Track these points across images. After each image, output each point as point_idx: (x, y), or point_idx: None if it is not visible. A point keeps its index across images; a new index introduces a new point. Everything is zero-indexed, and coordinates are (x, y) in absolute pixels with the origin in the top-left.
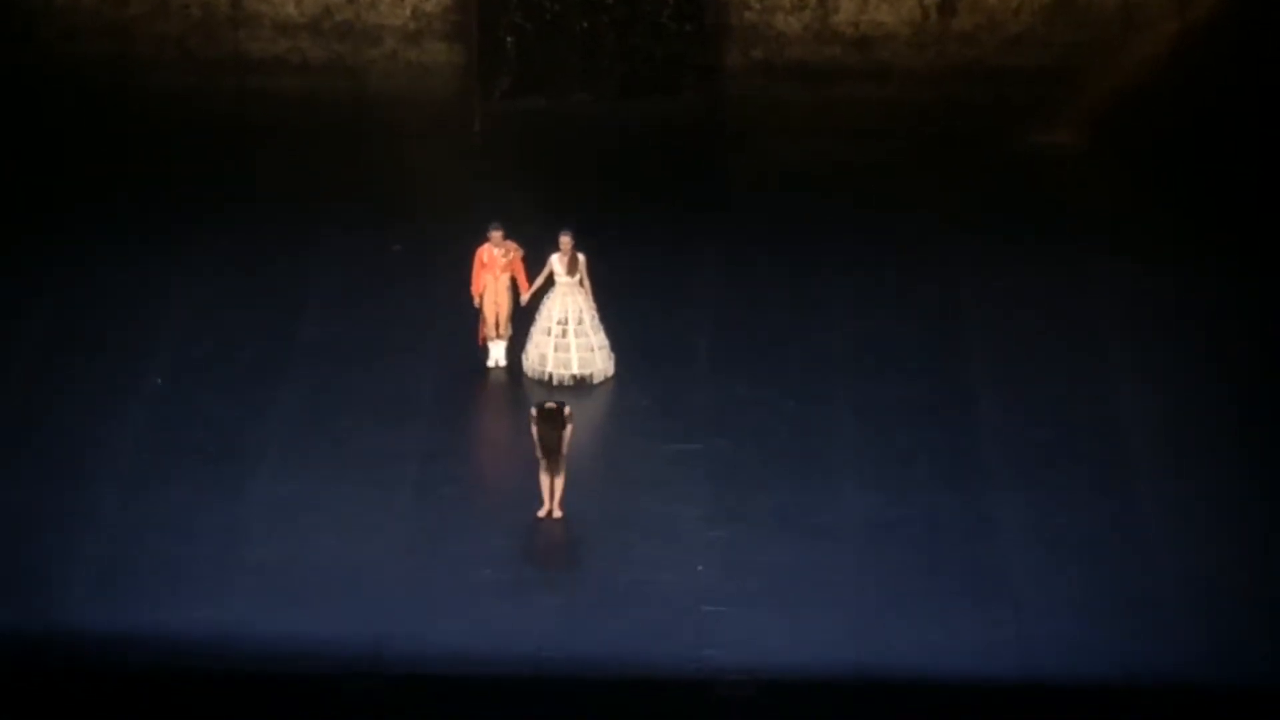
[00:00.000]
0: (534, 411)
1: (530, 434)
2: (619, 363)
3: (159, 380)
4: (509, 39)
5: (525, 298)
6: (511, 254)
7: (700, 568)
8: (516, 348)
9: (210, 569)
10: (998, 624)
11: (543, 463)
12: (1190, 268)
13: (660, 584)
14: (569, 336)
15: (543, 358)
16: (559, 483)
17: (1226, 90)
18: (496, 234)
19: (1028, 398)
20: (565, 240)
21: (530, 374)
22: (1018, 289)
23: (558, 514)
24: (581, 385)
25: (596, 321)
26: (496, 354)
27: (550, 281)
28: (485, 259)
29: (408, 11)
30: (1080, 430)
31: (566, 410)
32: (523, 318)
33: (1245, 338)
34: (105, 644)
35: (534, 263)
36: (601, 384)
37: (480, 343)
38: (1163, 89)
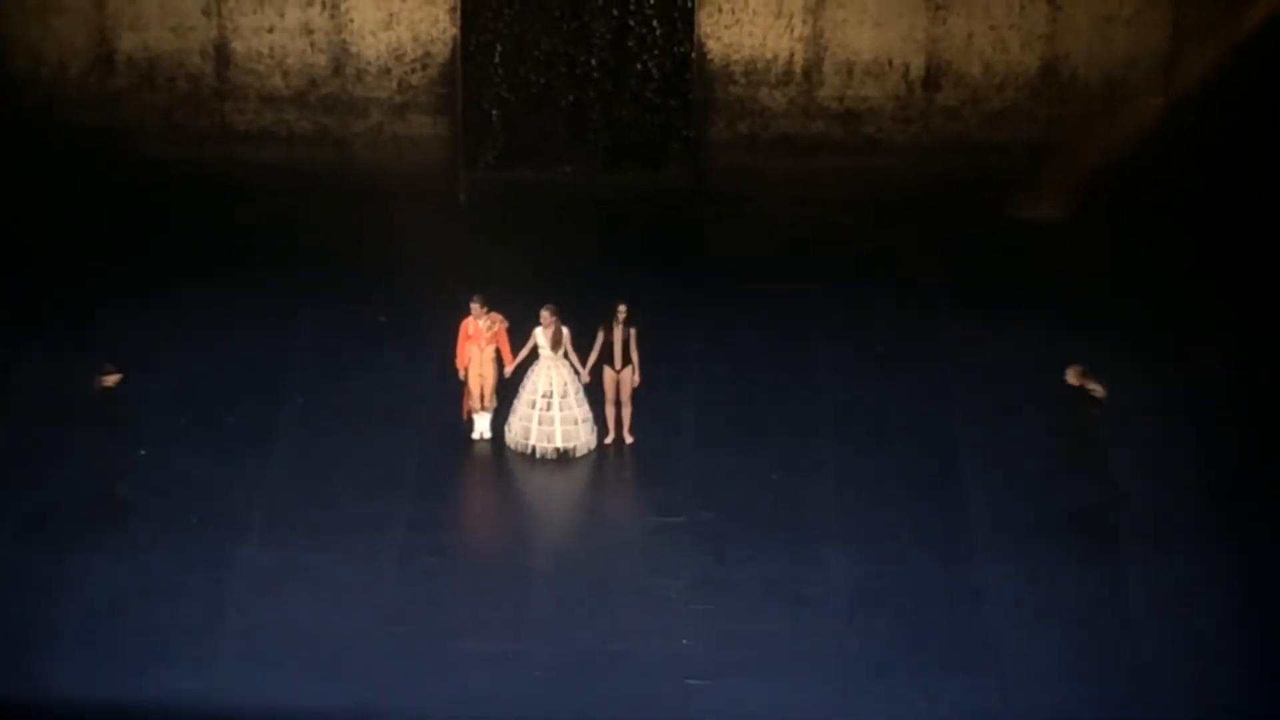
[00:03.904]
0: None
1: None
2: (603, 435)
3: (142, 451)
4: (494, 112)
5: (509, 370)
6: (496, 325)
7: (685, 640)
8: (501, 419)
9: (194, 637)
10: (983, 694)
11: (609, 394)
12: (1175, 340)
13: (644, 655)
14: (553, 409)
15: (526, 430)
16: (626, 412)
17: (1210, 165)
18: (476, 305)
19: (1013, 467)
20: (548, 314)
21: (513, 446)
22: (1003, 360)
23: (629, 440)
24: (564, 458)
25: (581, 394)
26: (481, 426)
27: (534, 354)
28: (470, 331)
29: (394, 84)
30: (1065, 500)
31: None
32: (507, 390)
33: (1229, 409)
34: (89, 712)
35: (519, 334)
36: (585, 456)
37: (465, 415)
38: (1147, 163)
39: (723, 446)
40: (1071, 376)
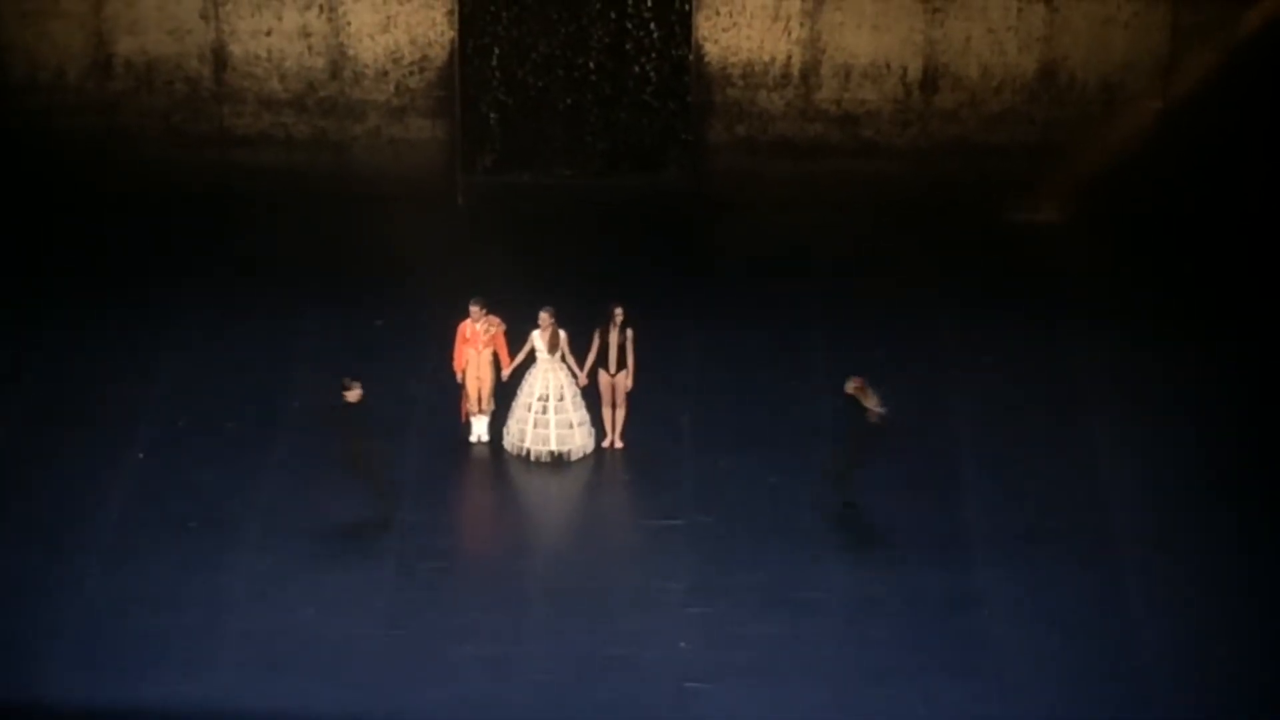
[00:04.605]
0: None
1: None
2: (600, 437)
3: (140, 454)
4: (492, 115)
5: (506, 373)
6: (493, 329)
7: (683, 643)
8: (499, 423)
9: (193, 641)
10: (982, 698)
11: (605, 396)
12: (1172, 343)
13: (642, 659)
14: (549, 413)
15: (522, 433)
16: (620, 414)
17: (1208, 168)
18: (476, 308)
19: (1010, 471)
20: (546, 317)
21: (510, 449)
22: (1001, 363)
23: (619, 445)
24: (559, 462)
25: (578, 398)
26: (479, 429)
27: (532, 358)
28: (468, 334)
29: (391, 87)
30: (1063, 504)
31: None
32: (505, 393)
33: (1226, 411)
34: (87, 716)
35: (516, 337)
36: (581, 460)
37: (463, 418)
38: (1144, 166)
39: (721, 450)
40: (850, 387)
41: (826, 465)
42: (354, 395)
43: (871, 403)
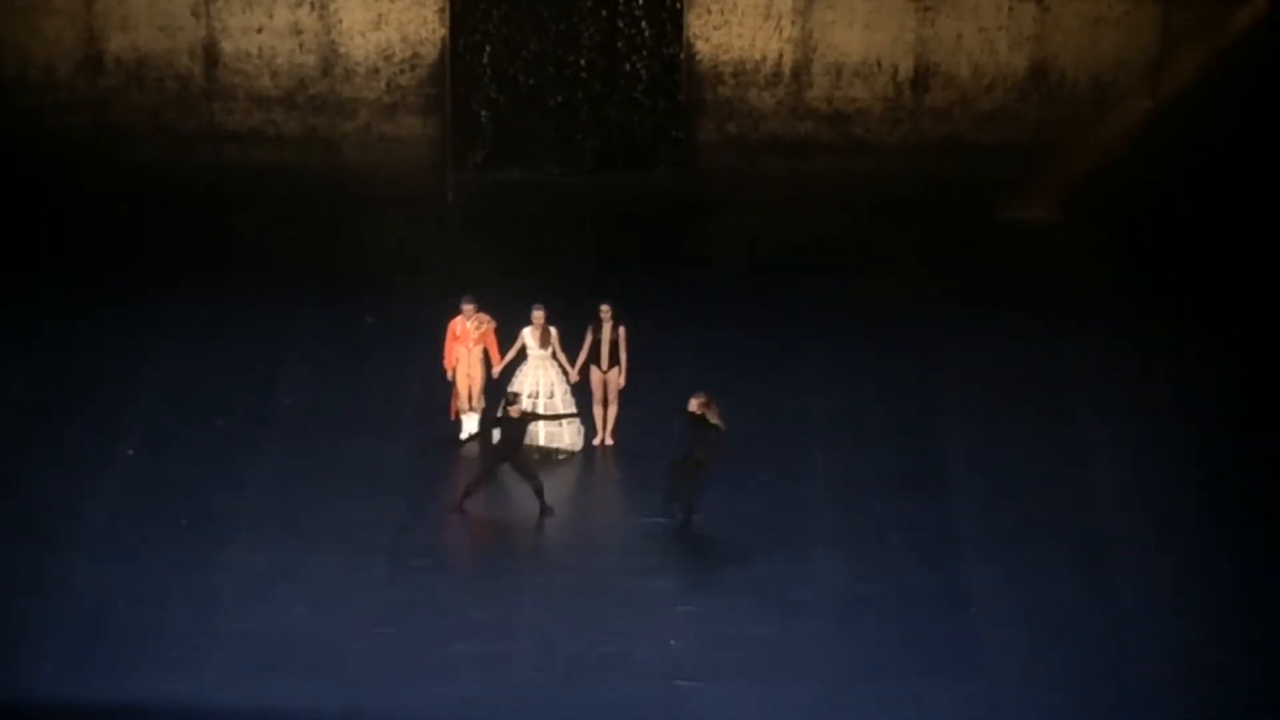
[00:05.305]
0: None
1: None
2: (591, 435)
3: (130, 451)
4: (483, 112)
5: (497, 370)
6: (484, 326)
7: (673, 642)
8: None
9: (183, 640)
10: (972, 699)
11: (596, 394)
12: (1162, 341)
13: (633, 658)
14: (538, 410)
15: None
16: (612, 411)
17: (1198, 166)
18: (469, 306)
19: (1002, 471)
20: (537, 314)
21: None
22: (992, 362)
23: (609, 442)
24: (547, 459)
25: (569, 396)
26: (469, 426)
27: (522, 354)
28: (458, 331)
29: (382, 85)
30: (1054, 504)
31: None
32: (496, 390)
33: (1217, 410)
34: (77, 715)
35: (507, 335)
36: (570, 457)
37: (453, 415)
38: (1135, 165)
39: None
40: (694, 405)
41: (670, 484)
42: (517, 411)
43: (715, 418)
